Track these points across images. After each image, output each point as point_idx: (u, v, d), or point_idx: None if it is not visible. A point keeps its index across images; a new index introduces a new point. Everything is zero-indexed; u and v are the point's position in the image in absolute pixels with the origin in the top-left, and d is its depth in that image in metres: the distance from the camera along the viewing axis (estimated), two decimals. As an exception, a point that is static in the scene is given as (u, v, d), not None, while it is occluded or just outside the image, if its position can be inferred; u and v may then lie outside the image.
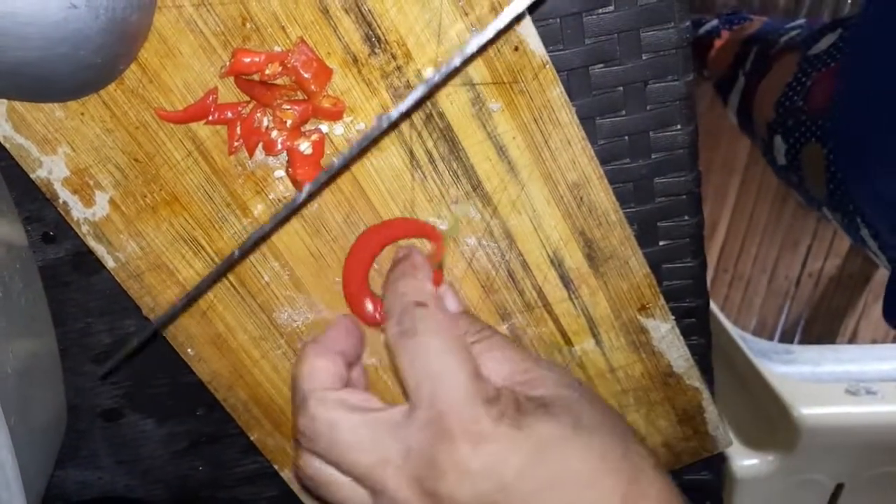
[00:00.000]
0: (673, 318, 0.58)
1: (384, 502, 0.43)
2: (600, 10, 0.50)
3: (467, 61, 0.45)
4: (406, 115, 0.49)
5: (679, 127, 0.54)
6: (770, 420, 1.39)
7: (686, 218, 0.57)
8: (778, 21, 1.52)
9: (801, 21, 1.37)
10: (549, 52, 0.49)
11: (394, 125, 0.49)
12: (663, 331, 0.58)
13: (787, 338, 2.37)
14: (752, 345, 1.53)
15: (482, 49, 0.47)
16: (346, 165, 0.50)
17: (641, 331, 0.58)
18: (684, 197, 0.56)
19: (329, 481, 0.45)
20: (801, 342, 2.36)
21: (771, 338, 2.34)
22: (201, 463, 0.64)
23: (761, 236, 2.24)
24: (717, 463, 0.67)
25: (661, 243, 0.58)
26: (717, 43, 1.64)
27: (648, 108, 0.53)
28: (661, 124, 0.54)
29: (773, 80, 1.19)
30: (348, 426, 0.44)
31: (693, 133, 0.54)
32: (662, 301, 0.57)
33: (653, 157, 0.55)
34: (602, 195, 0.53)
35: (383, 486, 0.42)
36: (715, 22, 1.68)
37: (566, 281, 0.56)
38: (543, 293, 0.56)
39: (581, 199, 0.53)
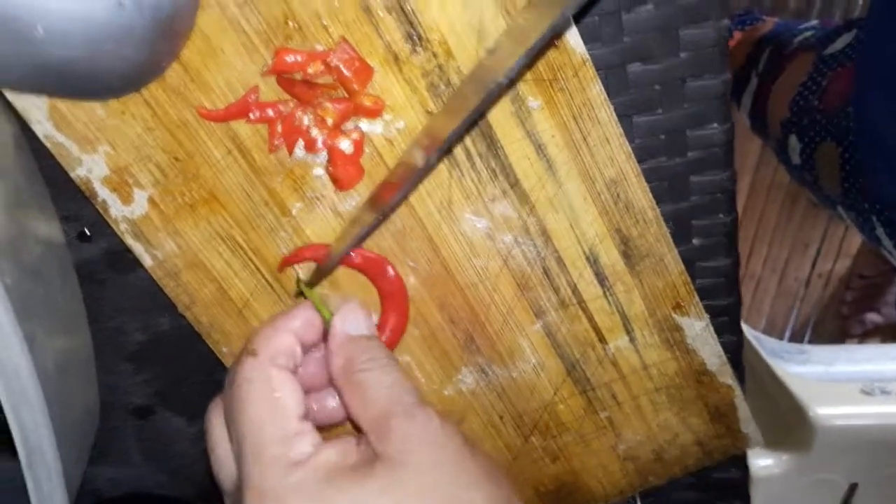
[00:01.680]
0: (707, 316, 0.58)
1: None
2: (639, 8, 0.50)
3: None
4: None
5: (716, 125, 0.54)
6: (785, 420, 1.38)
7: (720, 216, 0.57)
8: (790, 22, 1.52)
9: (814, 22, 1.37)
10: (587, 49, 0.49)
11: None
12: (697, 329, 0.58)
13: (796, 338, 2.37)
14: (765, 344, 1.52)
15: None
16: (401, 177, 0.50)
17: (676, 328, 0.58)
18: (719, 195, 0.56)
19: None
20: (811, 342, 2.36)
21: (781, 338, 2.34)
22: (231, 461, 0.64)
23: (771, 237, 2.24)
24: (745, 461, 0.67)
25: (694, 241, 0.58)
26: (729, 43, 1.64)
27: (685, 106, 0.53)
28: (698, 122, 0.54)
29: (787, 79, 1.19)
30: (252, 409, 0.43)
31: (729, 131, 0.54)
32: (697, 299, 0.57)
33: (689, 154, 0.55)
34: (639, 193, 0.53)
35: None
36: (726, 22, 1.68)
37: (601, 278, 0.56)
38: (578, 290, 0.56)
39: (618, 196, 0.53)
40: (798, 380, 1.43)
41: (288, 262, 0.53)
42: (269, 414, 0.42)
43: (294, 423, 0.42)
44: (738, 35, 1.66)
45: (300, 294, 0.52)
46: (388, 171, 0.51)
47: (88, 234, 0.55)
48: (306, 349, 0.48)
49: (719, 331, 0.60)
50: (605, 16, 0.51)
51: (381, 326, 0.55)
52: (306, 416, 0.43)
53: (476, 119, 0.49)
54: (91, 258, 0.56)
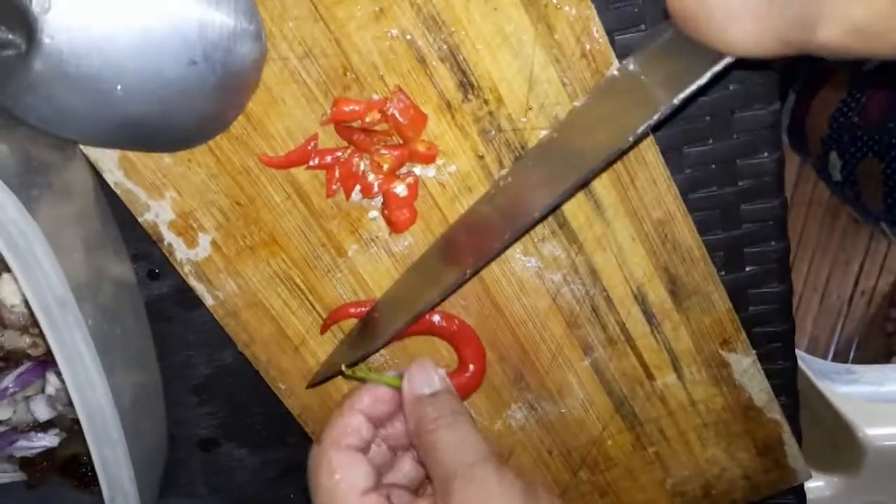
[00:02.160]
0: (755, 352, 0.59)
1: None
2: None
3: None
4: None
5: (766, 154, 0.54)
6: (834, 441, 1.36)
7: (772, 243, 0.57)
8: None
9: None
10: (635, 94, 0.50)
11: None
12: (745, 365, 0.59)
13: (840, 357, 2.33)
14: (811, 365, 1.51)
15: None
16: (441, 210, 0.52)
17: (723, 365, 0.59)
18: (770, 223, 0.57)
19: None
20: (855, 361, 2.32)
21: (825, 356, 2.31)
22: (293, 490, 0.66)
23: (812, 254, 2.22)
24: (800, 488, 0.67)
25: (747, 269, 0.58)
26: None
27: (735, 136, 0.54)
28: (748, 152, 0.54)
29: (826, 96, 1.19)
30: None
31: (780, 160, 0.55)
32: (744, 335, 0.58)
33: (739, 184, 0.55)
34: (686, 232, 0.54)
35: None
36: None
37: (649, 316, 0.56)
38: (626, 328, 0.57)
39: (665, 236, 0.54)
40: (846, 400, 1.41)
41: (332, 321, 0.55)
42: (329, 496, 0.46)
43: (355, 500, 0.46)
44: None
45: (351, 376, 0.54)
46: (440, 212, 0.52)
47: (157, 272, 0.57)
48: (387, 419, 0.50)
49: (773, 357, 0.61)
50: (652, 61, 0.52)
51: (460, 371, 0.56)
52: (375, 487, 0.46)
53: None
54: (160, 296, 0.58)
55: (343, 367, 0.53)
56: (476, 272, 0.53)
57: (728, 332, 0.57)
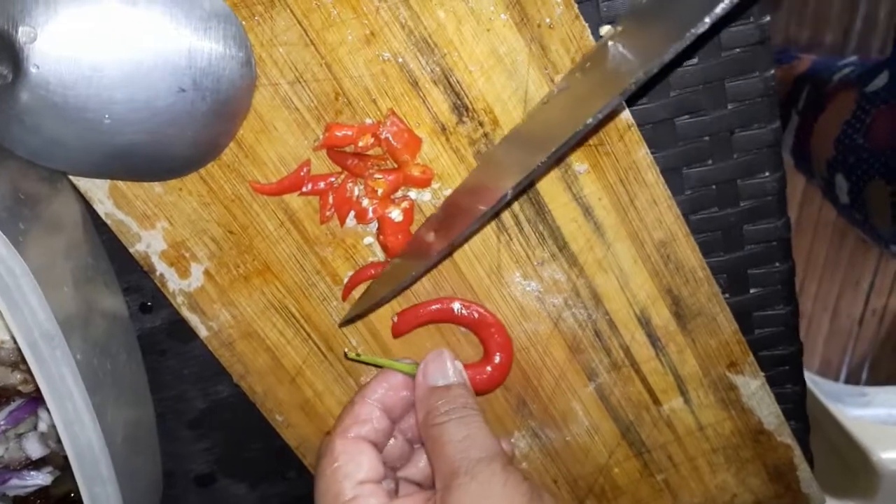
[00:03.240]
0: (763, 374, 0.57)
1: None
2: (685, 63, 0.50)
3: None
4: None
5: (767, 174, 0.53)
6: (847, 466, 1.34)
7: (777, 264, 0.56)
8: (828, 59, 1.51)
9: (852, 58, 1.36)
10: (634, 106, 0.50)
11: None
12: (753, 387, 0.57)
13: (853, 378, 2.30)
14: (823, 387, 1.48)
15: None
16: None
17: (731, 388, 0.57)
18: (775, 243, 0.56)
19: None
20: (868, 382, 2.29)
21: (836, 378, 2.27)
22: (291, 526, 0.64)
23: (821, 274, 2.20)
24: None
25: (751, 291, 0.57)
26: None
27: (735, 156, 0.53)
28: (749, 172, 0.53)
29: (829, 117, 1.18)
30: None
31: (781, 179, 0.54)
32: (752, 357, 0.56)
33: (741, 204, 0.54)
34: (689, 253, 0.53)
35: None
36: (773, 72, 1.67)
37: (654, 339, 0.55)
38: (631, 352, 0.55)
39: (668, 257, 0.53)
40: (859, 424, 1.38)
41: (355, 283, 0.53)
42: (326, 484, 0.45)
43: (349, 489, 0.44)
44: (776, 73, 1.66)
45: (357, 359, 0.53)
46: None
47: (150, 305, 0.56)
48: (403, 410, 0.50)
49: (781, 381, 0.59)
50: (649, 79, 0.51)
51: (484, 362, 0.54)
52: (378, 479, 0.46)
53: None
54: (153, 329, 0.57)
55: (346, 351, 0.52)
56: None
57: (735, 353, 0.56)
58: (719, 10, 0.32)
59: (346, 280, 0.52)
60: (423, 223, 0.50)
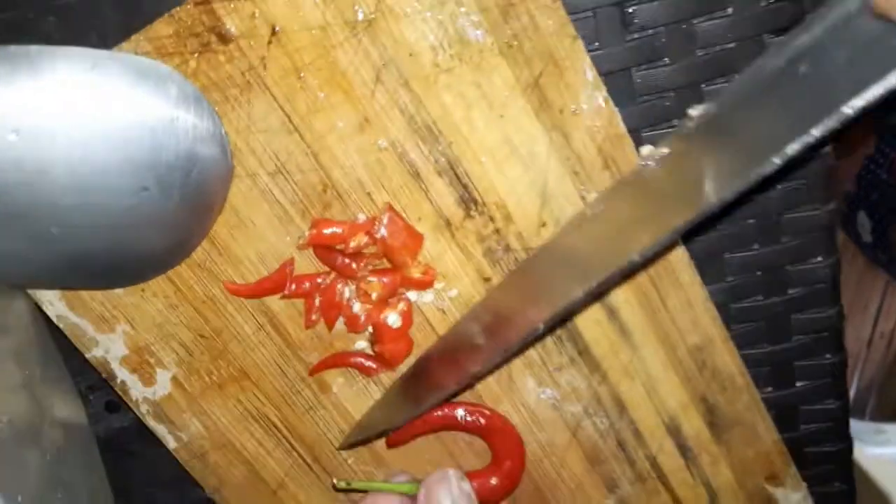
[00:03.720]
0: (805, 485, 0.51)
1: None
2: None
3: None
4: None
5: (819, 259, 0.47)
6: (864, 509, 1.28)
7: (827, 356, 0.50)
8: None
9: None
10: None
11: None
12: (794, 500, 0.51)
13: (860, 402, 2.25)
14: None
15: (594, 209, 0.41)
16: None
17: (768, 501, 0.51)
18: (826, 333, 0.49)
19: None
20: (876, 405, 2.24)
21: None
22: None
23: (826, 296, 2.14)
24: None
25: (798, 384, 0.50)
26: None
27: (784, 240, 0.46)
28: (799, 257, 0.47)
29: (851, 151, 1.13)
30: None
31: (835, 265, 0.47)
32: (794, 469, 0.50)
33: (789, 292, 0.48)
34: (727, 357, 0.46)
35: None
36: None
37: (684, 449, 0.49)
38: (658, 463, 0.49)
39: (703, 363, 0.46)
40: (877, 464, 1.32)
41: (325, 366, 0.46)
42: None
43: None
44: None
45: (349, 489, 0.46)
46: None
47: (116, 403, 0.49)
48: None
49: (827, 479, 0.53)
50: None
51: (492, 469, 0.48)
52: None
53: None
54: (120, 430, 0.50)
55: (335, 481, 0.45)
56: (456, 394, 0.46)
57: (775, 465, 0.49)
58: (792, 150, 0.25)
59: (333, 389, 0.46)
60: (433, 345, 0.43)
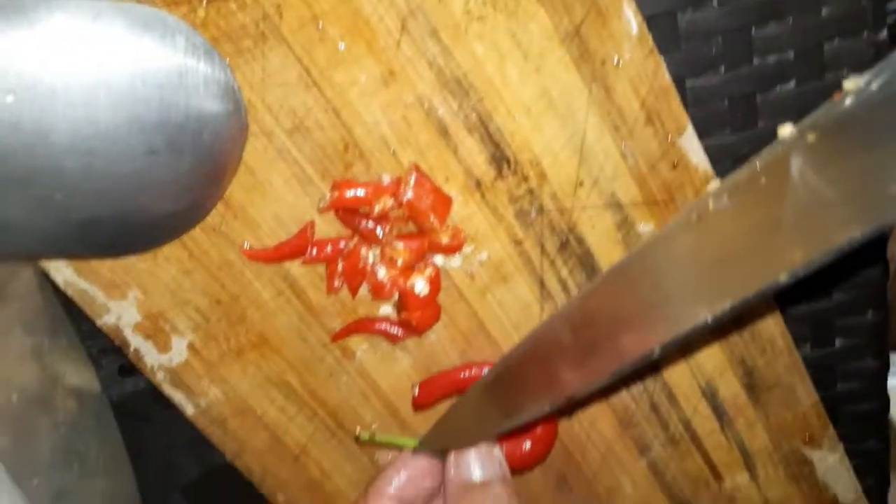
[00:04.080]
0: (842, 445, 0.49)
1: None
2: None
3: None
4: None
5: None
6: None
7: (869, 314, 0.47)
8: None
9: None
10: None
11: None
12: (830, 462, 0.49)
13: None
14: None
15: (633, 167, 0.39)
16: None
17: (804, 462, 0.49)
18: (868, 291, 0.47)
19: None
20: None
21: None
22: None
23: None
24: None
25: (837, 343, 0.48)
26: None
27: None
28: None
29: None
30: None
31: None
32: (832, 430, 0.48)
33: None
34: (768, 320, 0.44)
35: None
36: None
37: (719, 412, 0.47)
38: (692, 426, 0.47)
39: (743, 325, 0.44)
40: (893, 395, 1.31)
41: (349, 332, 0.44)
42: None
43: None
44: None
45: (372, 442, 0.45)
46: (467, 306, 0.43)
47: (129, 367, 0.48)
48: (430, 496, 0.43)
49: (861, 437, 0.51)
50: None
51: (522, 436, 0.45)
52: None
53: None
54: (134, 393, 0.49)
55: (358, 433, 0.44)
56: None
57: (813, 427, 0.48)
58: None
59: (357, 352, 0.44)
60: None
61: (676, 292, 0.28)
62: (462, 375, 0.45)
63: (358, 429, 0.45)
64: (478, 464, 0.41)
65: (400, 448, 0.44)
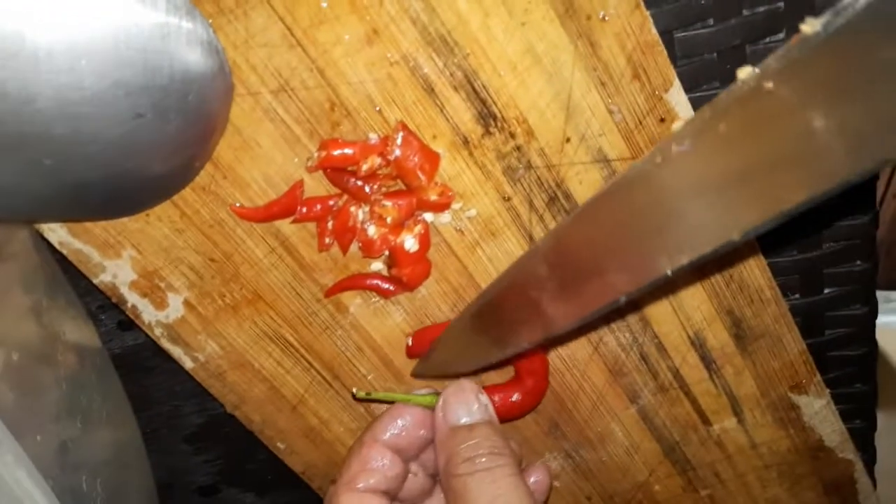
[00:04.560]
0: (828, 391, 0.50)
1: None
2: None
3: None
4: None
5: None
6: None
7: (858, 263, 0.48)
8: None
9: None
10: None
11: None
12: (817, 407, 0.50)
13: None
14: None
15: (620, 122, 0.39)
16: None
17: (791, 408, 0.50)
18: (857, 241, 0.47)
19: None
20: (885, 271, 2.23)
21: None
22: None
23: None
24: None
25: (826, 291, 0.49)
26: None
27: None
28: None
29: None
30: None
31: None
32: (818, 377, 0.49)
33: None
34: (756, 271, 0.45)
35: None
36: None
37: (708, 361, 0.48)
38: (681, 375, 0.48)
39: (730, 276, 0.44)
40: (885, 333, 1.31)
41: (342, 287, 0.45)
42: None
43: None
44: None
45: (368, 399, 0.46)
46: (457, 261, 0.43)
47: (129, 321, 0.49)
48: (423, 445, 0.44)
49: (848, 381, 0.52)
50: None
51: (513, 384, 0.47)
52: None
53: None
54: (135, 346, 0.50)
55: (355, 391, 0.45)
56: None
57: (800, 374, 0.49)
58: None
59: (351, 309, 0.44)
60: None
61: (638, 240, 0.29)
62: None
63: (354, 389, 0.46)
64: (463, 408, 0.42)
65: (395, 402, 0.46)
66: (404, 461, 0.44)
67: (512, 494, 0.39)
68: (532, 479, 0.47)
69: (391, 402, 0.46)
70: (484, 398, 0.43)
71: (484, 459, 0.40)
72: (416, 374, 0.47)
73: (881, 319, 1.47)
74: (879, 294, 1.46)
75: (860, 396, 0.53)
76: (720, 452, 0.52)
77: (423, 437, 0.44)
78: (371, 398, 0.45)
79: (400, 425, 0.43)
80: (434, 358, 0.45)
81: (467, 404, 0.43)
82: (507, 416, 0.47)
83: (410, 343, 0.46)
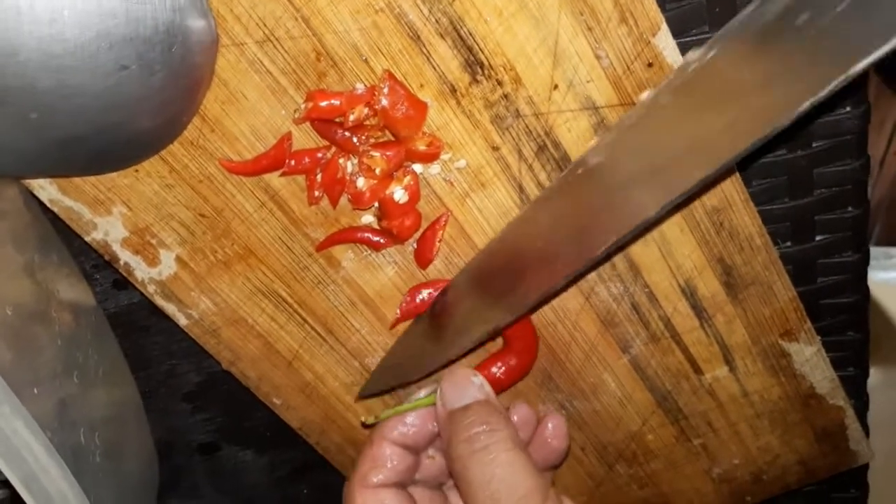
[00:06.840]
0: (819, 339, 0.50)
1: None
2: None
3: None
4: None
5: (847, 110, 0.45)
6: (872, 333, 1.29)
7: (850, 209, 0.48)
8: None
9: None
10: (687, 59, 0.40)
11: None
12: (808, 354, 0.51)
13: (869, 225, 2.23)
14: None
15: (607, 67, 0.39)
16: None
17: (782, 355, 0.51)
18: (849, 187, 0.47)
19: None
20: (885, 227, 2.22)
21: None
22: (306, 486, 0.60)
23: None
24: (862, 478, 0.61)
25: (818, 238, 0.49)
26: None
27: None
28: (826, 108, 0.45)
29: None
30: None
31: (864, 116, 0.45)
32: (809, 324, 0.49)
33: (814, 145, 0.46)
34: (746, 219, 0.45)
35: None
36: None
37: (699, 310, 0.48)
38: (672, 324, 0.49)
39: (721, 224, 0.45)
40: (885, 288, 1.31)
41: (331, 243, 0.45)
42: None
43: None
44: None
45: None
46: (447, 212, 0.43)
47: (124, 280, 0.49)
48: (432, 437, 0.45)
49: (841, 329, 0.53)
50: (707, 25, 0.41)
51: (504, 354, 0.48)
52: None
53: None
54: (131, 305, 0.50)
55: (363, 419, 0.46)
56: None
57: (791, 322, 0.49)
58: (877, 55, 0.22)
59: (342, 262, 0.45)
60: (457, 277, 0.43)
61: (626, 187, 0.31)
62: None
63: (362, 418, 0.47)
64: (459, 392, 0.43)
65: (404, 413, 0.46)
66: (414, 454, 0.45)
67: (507, 472, 0.40)
68: (549, 427, 0.47)
69: (401, 414, 0.46)
70: (478, 379, 0.44)
71: (481, 438, 0.41)
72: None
73: (882, 276, 1.46)
74: (880, 250, 1.44)
75: (853, 344, 0.54)
76: (712, 401, 0.52)
77: (431, 431, 0.45)
78: (382, 419, 0.46)
79: (408, 422, 0.45)
80: (433, 318, 0.46)
81: (462, 388, 0.44)
82: (505, 384, 0.48)
83: (403, 307, 0.47)
